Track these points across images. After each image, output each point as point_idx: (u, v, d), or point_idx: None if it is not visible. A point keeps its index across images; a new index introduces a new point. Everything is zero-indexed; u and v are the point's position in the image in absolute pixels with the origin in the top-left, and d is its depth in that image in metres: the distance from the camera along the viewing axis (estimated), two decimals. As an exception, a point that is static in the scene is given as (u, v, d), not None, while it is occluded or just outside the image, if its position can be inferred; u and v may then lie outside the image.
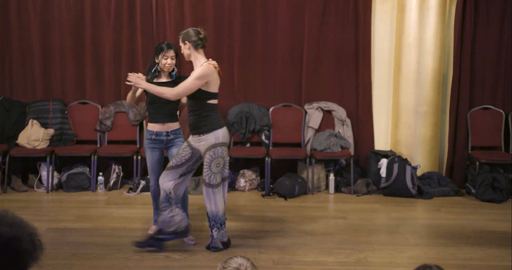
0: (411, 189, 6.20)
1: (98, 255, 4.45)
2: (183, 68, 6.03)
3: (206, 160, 4.40)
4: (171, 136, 4.72)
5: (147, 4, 6.60)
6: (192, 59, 4.44)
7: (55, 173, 6.43)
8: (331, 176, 6.43)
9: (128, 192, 6.30)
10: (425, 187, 6.29)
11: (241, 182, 6.49)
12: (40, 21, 6.63)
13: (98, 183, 6.36)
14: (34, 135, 6.38)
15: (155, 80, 4.69)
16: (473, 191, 6.32)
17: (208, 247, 4.58)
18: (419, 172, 6.43)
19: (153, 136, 4.72)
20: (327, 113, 6.73)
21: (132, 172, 6.45)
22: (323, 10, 6.64)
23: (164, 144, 4.74)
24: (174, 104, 4.69)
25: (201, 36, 4.39)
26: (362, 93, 6.72)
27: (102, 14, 6.63)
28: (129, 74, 4.50)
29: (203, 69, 4.34)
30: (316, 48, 6.69)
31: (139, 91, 4.73)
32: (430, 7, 6.34)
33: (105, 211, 5.68)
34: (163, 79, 4.73)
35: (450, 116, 6.66)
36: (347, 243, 4.77)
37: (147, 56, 6.33)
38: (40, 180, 6.45)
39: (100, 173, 6.39)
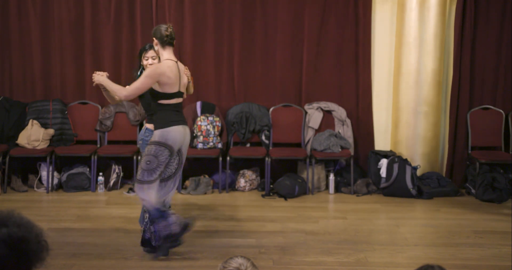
0: (411, 189, 6.20)
1: (98, 255, 4.45)
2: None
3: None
4: None
5: (147, 4, 6.60)
6: (160, 56, 4.33)
7: (55, 173, 6.43)
8: (331, 176, 6.43)
9: (128, 192, 6.29)
10: (425, 187, 6.29)
11: (241, 182, 6.48)
12: (40, 21, 6.62)
13: (98, 183, 6.36)
14: (34, 135, 6.38)
15: None
16: (473, 191, 6.32)
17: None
18: (419, 172, 6.43)
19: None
20: (327, 113, 6.72)
21: (132, 172, 6.44)
22: (323, 10, 6.64)
23: None
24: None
25: (167, 33, 4.22)
26: (362, 93, 6.72)
27: (102, 14, 6.63)
28: (94, 73, 4.34)
29: (152, 68, 4.21)
30: (316, 48, 6.69)
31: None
32: (430, 7, 6.34)
33: (105, 211, 5.68)
34: None
35: (450, 116, 6.66)
36: (347, 243, 4.77)
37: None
38: (40, 180, 6.45)
39: (100, 173, 6.39)
